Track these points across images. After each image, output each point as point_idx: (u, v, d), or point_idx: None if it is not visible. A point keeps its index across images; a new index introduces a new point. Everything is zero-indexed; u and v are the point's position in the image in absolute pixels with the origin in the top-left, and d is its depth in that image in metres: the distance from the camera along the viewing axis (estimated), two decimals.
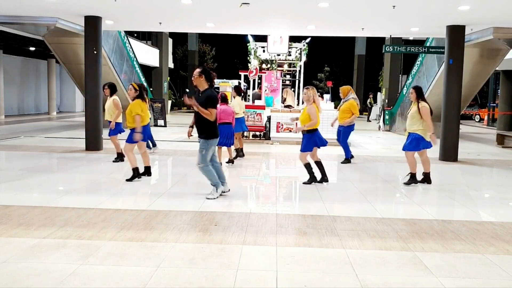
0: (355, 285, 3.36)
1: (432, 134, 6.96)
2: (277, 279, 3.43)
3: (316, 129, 7.01)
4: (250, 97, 14.64)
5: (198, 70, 5.89)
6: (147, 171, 7.34)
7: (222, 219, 4.99)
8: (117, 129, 8.72)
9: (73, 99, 27.24)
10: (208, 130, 5.89)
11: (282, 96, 15.00)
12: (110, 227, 4.58)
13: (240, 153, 9.61)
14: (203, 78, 5.79)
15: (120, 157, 8.77)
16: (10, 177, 7.13)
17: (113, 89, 8.84)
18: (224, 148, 8.77)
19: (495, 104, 22.56)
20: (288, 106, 14.15)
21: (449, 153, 10.20)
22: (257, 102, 13.23)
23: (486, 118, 25.22)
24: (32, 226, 4.55)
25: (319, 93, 15.04)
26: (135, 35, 24.63)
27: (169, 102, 27.76)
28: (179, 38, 36.06)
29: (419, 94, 7.11)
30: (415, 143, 7.03)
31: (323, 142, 7.06)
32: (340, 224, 4.92)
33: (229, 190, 6.21)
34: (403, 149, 7.26)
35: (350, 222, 5.03)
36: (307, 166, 7.11)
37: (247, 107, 12.57)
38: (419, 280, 3.48)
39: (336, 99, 34.27)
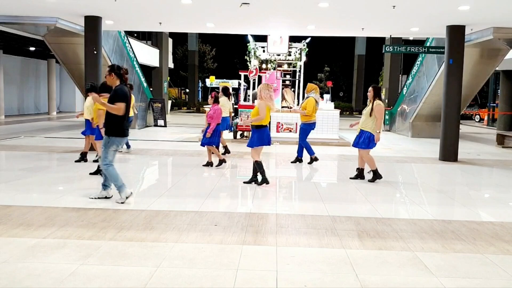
0: (355, 285, 3.36)
1: (377, 133, 7.17)
2: (277, 279, 3.43)
3: (265, 126, 6.93)
4: (250, 97, 14.63)
5: (107, 69, 5.56)
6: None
7: (222, 219, 4.99)
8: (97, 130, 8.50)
9: (73, 99, 27.24)
10: (113, 127, 5.47)
11: (282, 95, 14.99)
12: (110, 227, 4.58)
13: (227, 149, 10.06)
14: (113, 76, 5.49)
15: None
16: (10, 177, 7.13)
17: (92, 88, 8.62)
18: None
19: (495, 104, 22.56)
20: (287, 107, 14.13)
21: (449, 153, 10.21)
22: (256, 102, 13.21)
23: (486, 118, 25.23)
24: (32, 226, 4.55)
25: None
26: (135, 35, 24.63)
27: (169, 102, 27.78)
28: (179, 38, 36.08)
29: (377, 93, 7.35)
30: (367, 141, 7.25)
31: (268, 141, 6.95)
32: (340, 224, 4.92)
33: (111, 196, 5.76)
34: (354, 146, 7.51)
35: (350, 222, 5.03)
36: (259, 165, 6.92)
37: (247, 107, 12.57)
38: (419, 280, 3.48)
39: (336, 99, 34.24)
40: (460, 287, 3.38)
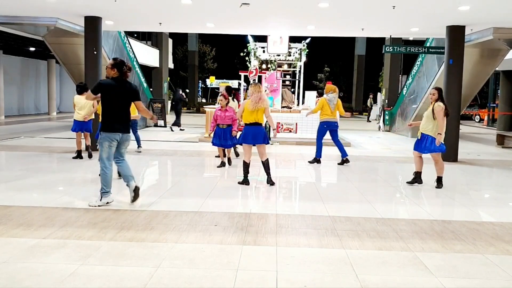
0: (355, 285, 3.36)
1: (439, 135, 6.86)
2: (277, 279, 3.43)
3: (252, 124, 6.88)
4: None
5: (111, 62, 5.40)
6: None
7: (222, 219, 4.99)
8: (83, 127, 9.07)
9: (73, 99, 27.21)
10: (103, 121, 5.39)
11: (282, 96, 15.01)
12: (110, 227, 4.58)
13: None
14: (115, 71, 5.34)
15: (79, 155, 9.03)
16: (10, 177, 7.13)
17: (82, 88, 9.10)
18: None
19: (495, 104, 22.56)
20: (286, 107, 14.15)
21: (449, 153, 10.18)
22: None
23: (486, 118, 25.23)
24: (32, 226, 4.55)
25: (317, 93, 15.06)
26: (135, 35, 24.64)
27: (169, 103, 27.77)
28: (179, 38, 36.07)
29: (440, 95, 6.98)
30: (433, 145, 6.91)
31: (252, 141, 6.96)
32: (340, 224, 4.92)
33: (137, 187, 5.51)
34: (419, 151, 7.09)
35: (350, 222, 5.03)
36: (244, 165, 6.95)
37: None
38: (419, 280, 3.48)
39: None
40: (460, 287, 3.38)
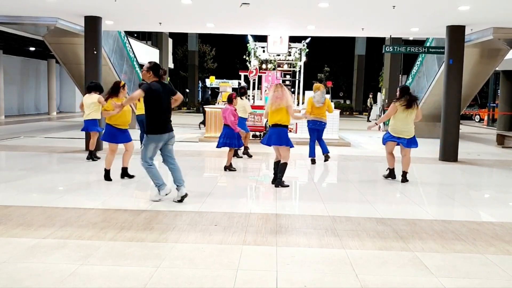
0: (355, 285, 3.36)
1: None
2: (277, 279, 3.43)
3: (271, 126, 7.11)
4: (250, 97, 14.64)
5: (147, 65, 5.62)
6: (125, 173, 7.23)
7: (222, 219, 4.99)
8: (94, 127, 8.93)
9: (73, 99, 27.22)
10: (148, 124, 5.61)
11: None
12: (110, 227, 4.58)
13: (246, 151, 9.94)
14: (151, 73, 5.55)
15: (93, 156, 8.92)
16: (10, 177, 7.13)
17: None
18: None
19: (495, 104, 22.56)
20: None
21: (449, 153, 10.21)
22: (257, 102, 13.22)
23: (486, 118, 25.23)
24: (32, 226, 4.55)
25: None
26: (135, 35, 24.64)
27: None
28: (179, 38, 36.08)
29: (400, 94, 7.85)
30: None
31: (266, 142, 7.12)
32: (340, 224, 4.92)
33: (186, 194, 5.72)
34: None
35: (350, 222, 5.03)
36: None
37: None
38: (419, 280, 3.48)
39: (335, 99, 33.98)
40: (460, 287, 3.38)
